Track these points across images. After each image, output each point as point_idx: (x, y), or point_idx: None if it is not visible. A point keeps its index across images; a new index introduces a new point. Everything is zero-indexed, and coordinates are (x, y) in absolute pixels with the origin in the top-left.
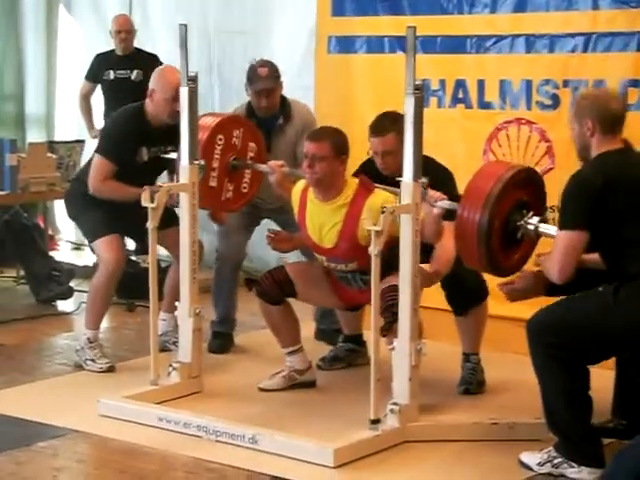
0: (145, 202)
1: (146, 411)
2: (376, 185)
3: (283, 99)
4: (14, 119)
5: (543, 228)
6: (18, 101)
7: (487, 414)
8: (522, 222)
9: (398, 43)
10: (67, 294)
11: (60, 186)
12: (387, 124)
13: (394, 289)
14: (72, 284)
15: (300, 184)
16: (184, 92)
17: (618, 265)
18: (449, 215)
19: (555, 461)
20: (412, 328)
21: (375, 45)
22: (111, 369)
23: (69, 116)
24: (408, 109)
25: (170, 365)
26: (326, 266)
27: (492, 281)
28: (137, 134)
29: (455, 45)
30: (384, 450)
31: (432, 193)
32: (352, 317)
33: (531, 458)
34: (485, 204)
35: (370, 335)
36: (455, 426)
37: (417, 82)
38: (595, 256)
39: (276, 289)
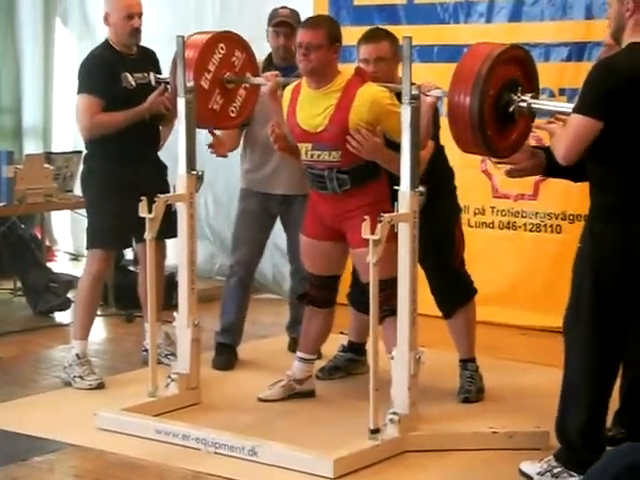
0: (143, 213)
1: (144, 423)
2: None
3: None
4: (11, 131)
5: (537, 103)
6: (15, 113)
7: (487, 423)
8: (514, 99)
9: None
10: (64, 305)
11: (57, 197)
12: (381, 33)
13: (383, 286)
14: (70, 295)
15: (292, 84)
16: (181, 103)
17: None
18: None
19: (555, 470)
20: (411, 337)
21: None
22: (100, 386)
23: (66, 127)
24: (405, 118)
25: (168, 376)
26: (307, 162)
27: (485, 288)
28: (113, 63)
29: (451, 54)
30: (384, 460)
31: (426, 83)
32: (361, 322)
33: (531, 468)
34: (475, 84)
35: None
36: (455, 435)
37: (414, 91)
38: None
39: (325, 292)
